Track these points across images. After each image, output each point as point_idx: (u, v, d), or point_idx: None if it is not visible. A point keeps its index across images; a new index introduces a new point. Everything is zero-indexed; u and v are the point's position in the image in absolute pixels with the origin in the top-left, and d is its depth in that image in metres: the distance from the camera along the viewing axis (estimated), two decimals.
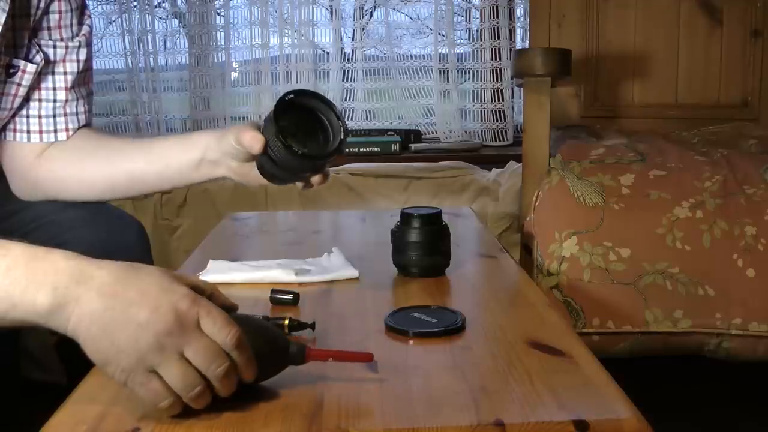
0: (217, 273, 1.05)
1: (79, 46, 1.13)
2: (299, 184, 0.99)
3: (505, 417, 0.62)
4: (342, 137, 0.92)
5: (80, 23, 1.14)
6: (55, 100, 1.12)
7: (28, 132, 1.12)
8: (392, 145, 2.32)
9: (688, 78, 2.17)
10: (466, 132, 2.46)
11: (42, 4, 1.08)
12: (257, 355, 0.65)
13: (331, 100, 0.95)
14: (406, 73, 2.49)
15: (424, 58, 2.49)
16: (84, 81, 1.16)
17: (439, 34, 2.45)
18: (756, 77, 2.15)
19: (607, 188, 1.47)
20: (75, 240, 1.05)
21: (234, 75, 2.53)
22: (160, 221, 2.04)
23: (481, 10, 2.43)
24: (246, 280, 1.05)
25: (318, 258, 1.13)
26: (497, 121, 2.46)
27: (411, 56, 2.50)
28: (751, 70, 2.15)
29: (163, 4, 2.60)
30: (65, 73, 1.12)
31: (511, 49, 2.41)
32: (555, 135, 1.80)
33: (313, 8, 2.44)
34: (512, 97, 2.47)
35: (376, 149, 2.31)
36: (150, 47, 2.46)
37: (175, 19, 2.59)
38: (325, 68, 2.48)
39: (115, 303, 0.61)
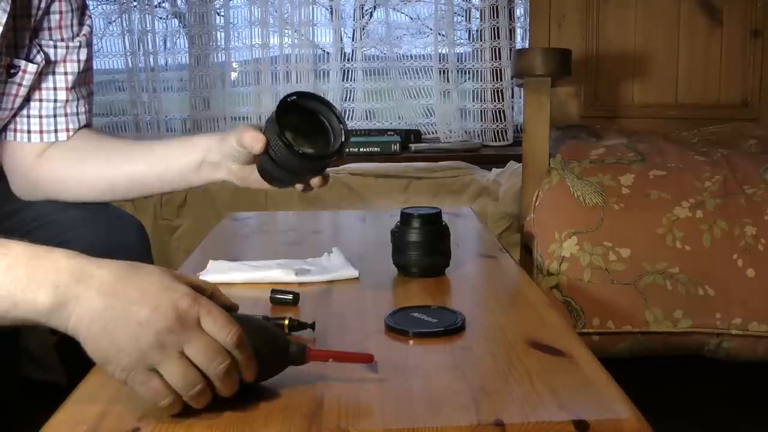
0: (217, 273, 1.05)
1: (80, 47, 1.13)
2: (299, 187, 0.99)
3: (505, 417, 0.62)
4: (343, 139, 0.92)
5: (81, 23, 1.14)
6: (55, 100, 1.12)
7: (29, 132, 1.12)
8: (392, 145, 2.32)
9: (688, 78, 2.17)
10: (466, 132, 2.46)
11: (43, 5, 1.08)
12: (257, 355, 0.65)
13: (331, 100, 0.95)
14: (406, 73, 2.49)
15: (424, 58, 2.49)
16: (84, 81, 1.16)
17: (439, 34, 2.45)
18: (756, 77, 2.15)
19: (607, 188, 1.47)
20: (76, 239, 1.05)
21: (234, 75, 2.54)
22: (160, 221, 2.04)
23: (481, 10, 2.43)
24: (246, 280, 1.05)
25: (318, 258, 1.13)
26: (497, 121, 2.46)
27: (411, 56, 2.50)
28: (751, 70, 2.16)
29: (163, 4, 2.60)
30: (66, 74, 1.12)
31: (511, 49, 2.41)
32: (555, 135, 1.80)
33: (313, 8, 2.44)
34: (512, 97, 2.47)
35: (376, 149, 2.31)
36: (150, 47, 2.46)
37: (175, 19, 2.59)
38: (325, 68, 2.48)
39: (115, 302, 0.61)
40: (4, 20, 1.00)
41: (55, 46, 1.11)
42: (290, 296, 0.95)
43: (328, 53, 2.50)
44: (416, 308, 0.89)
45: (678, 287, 1.40)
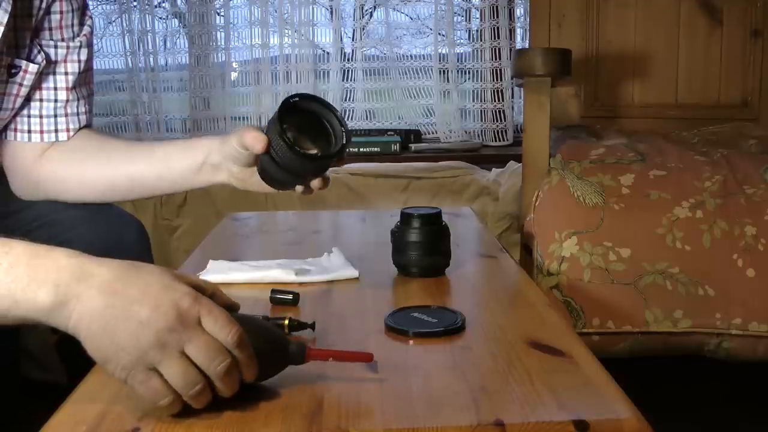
0: (217, 273, 1.05)
1: (80, 47, 1.13)
2: (299, 188, 0.99)
3: (505, 417, 0.62)
4: (344, 141, 0.92)
5: (81, 23, 1.14)
6: (56, 100, 1.12)
7: (29, 132, 1.12)
8: (392, 145, 2.32)
9: (688, 78, 2.17)
10: (466, 132, 2.46)
11: (43, 5, 1.08)
12: (258, 355, 0.65)
13: (331, 100, 0.95)
14: (406, 73, 2.49)
15: (424, 58, 2.49)
16: (85, 81, 1.16)
17: (439, 34, 2.45)
18: (756, 77, 2.16)
19: (607, 188, 1.47)
20: (76, 238, 1.05)
21: (234, 75, 2.54)
22: (160, 221, 2.04)
23: (481, 10, 2.43)
24: (246, 280, 1.05)
25: (318, 258, 1.13)
26: (497, 121, 2.46)
27: (411, 56, 2.50)
28: (751, 70, 2.16)
29: (163, 4, 2.60)
30: (66, 74, 1.12)
31: (511, 49, 2.41)
32: (555, 135, 1.80)
33: (313, 8, 2.44)
34: (512, 97, 2.47)
35: (376, 149, 2.31)
36: (150, 47, 2.46)
37: (175, 19, 2.59)
38: (325, 68, 2.48)
39: (116, 301, 0.61)
40: (5, 20, 1.00)
41: (56, 46, 1.11)
42: (290, 296, 0.95)
43: (328, 53, 2.50)
44: (416, 308, 0.89)
45: (678, 287, 1.40)
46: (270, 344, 0.68)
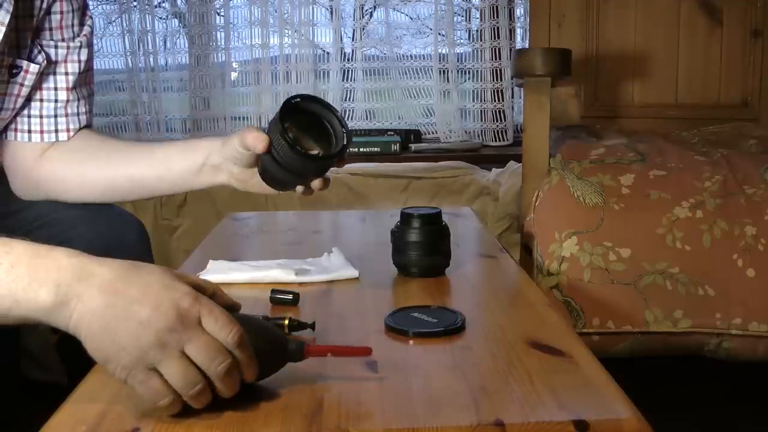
0: (217, 273, 1.05)
1: (81, 47, 1.13)
2: (299, 189, 1.00)
3: (505, 417, 0.62)
4: (345, 142, 0.93)
5: (81, 24, 1.14)
6: (56, 101, 1.12)
7: (29, 132, 1.12)
8: (392, 145, 2.32)
9: (688, 78, 2.17)
10: (466, 132, 2.46)
11: (44, 5, 1.08)
12: (258, 355, 0.65)
13: (331, 100, 0.95)
14: (406, 73, 2.49)
15: (424, 58, 2.49)
16: (85, 81, 1.16)
17: (439, 34, 2.45)
18: (756, 77, 2.16)
19: (607, 188, 1.47)
20: (77, 238, 1.06)
21: (234, 75, 2.53)
22: (160, 221, 2.04)
23: (481, 10, 2.43)
24: (246, 280, 1.05)
25: (318, 258, 1.13)
26: (497, 121, 2.46)
27: (411, 56, 2.50)
28: (751, 70, 2.16)
29: (163, 4, 2.60)
30: (66, 74, 1.12)
31: (511, 49, 2.41)
32: (555, 135, 1.80)
33: (313, 8, 2.44)
34: (512, 97, 2.47)
35: (376, 149, 2.31)
36: (150, 47, 2.46)
37: (175, 19, 2.59)
38: (325, 68, 2.48)
39: (116, 300, 0.61)
40: (6, 21, 1.00)
41: (56, 47, 1.11)
42: (290, 296, 0.95)
43: (328, 53, 2.50)
44: (416, 308, 0.89)
45: (678, 287, 1.40)
46: (270, 344, 0.68)
